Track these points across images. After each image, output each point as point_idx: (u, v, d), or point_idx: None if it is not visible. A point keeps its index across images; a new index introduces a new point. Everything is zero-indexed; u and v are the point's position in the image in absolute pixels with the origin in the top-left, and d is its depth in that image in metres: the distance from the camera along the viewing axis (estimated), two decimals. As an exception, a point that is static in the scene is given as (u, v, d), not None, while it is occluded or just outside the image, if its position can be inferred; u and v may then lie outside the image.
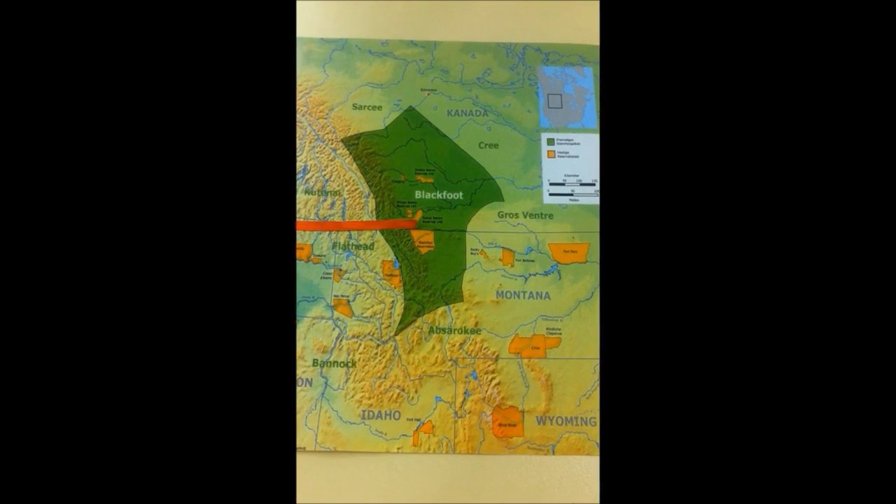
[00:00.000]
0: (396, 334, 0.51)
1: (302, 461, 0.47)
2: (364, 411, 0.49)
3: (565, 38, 0.61)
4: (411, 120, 0.58)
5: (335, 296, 0.52)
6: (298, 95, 0.58)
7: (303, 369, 0.50)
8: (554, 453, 0.48)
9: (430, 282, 0.52)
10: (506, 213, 0.54)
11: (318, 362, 0.50)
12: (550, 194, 0.55)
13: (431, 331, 0.51)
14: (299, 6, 0.62)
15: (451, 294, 0.52)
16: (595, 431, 0.48)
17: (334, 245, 0.53)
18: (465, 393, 0.49)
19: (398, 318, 0.51)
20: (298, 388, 0.49)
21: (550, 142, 0.57)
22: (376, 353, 0.50)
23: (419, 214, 0.54)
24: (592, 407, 0.49)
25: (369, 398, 0.49)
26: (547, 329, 0.51)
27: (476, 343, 0.50)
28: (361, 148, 0.56)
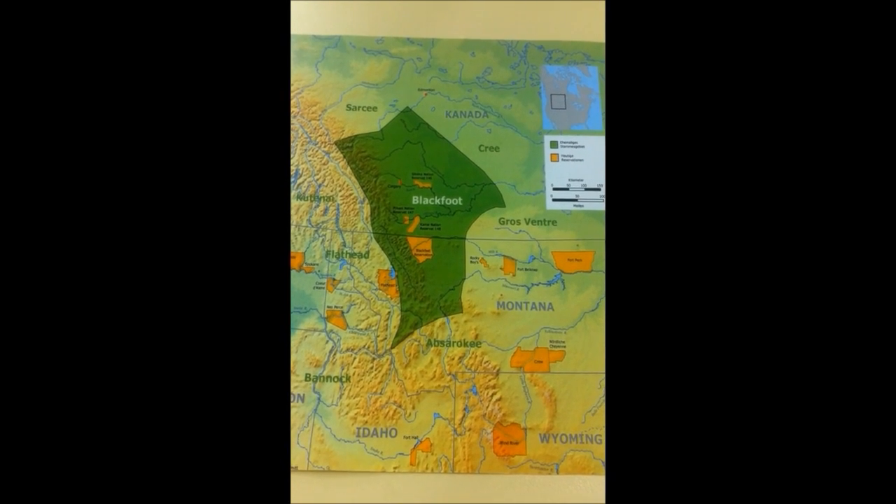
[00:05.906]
0: (393, 347, 0.51)
1: (294, 481, 0.47)
2: (359, 429, 0.49)
3: (569, 36, 0.62)
4: (408, 121, 0.58)
5: (328, 307, 0.52)
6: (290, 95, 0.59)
7: (295, 384, 0.50)
8: (558, 472, 0.48)
9: (427, 292, 0.52)
10: (507, 220, 0.55)
11: (311, 377, 0.50)
12: (554, 200, 0.55)
13: (429, 344, 0.51)
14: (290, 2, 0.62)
15: (449, 305, 0.52)
16: (601, 449, 0.48)
17: (328, 253, 0.53)
18: (464, 409, 0.49)
19: (394, 331, 0.51)
20: (290, 404, 0.49)
21: (554, 144, 0.57)
22: (372, 368, 0.50)
23: (416, 221, 0.54)
24: (598, 424, 0.49)
25: (364, 415, 0.49)
26: (550, 342, 0.51)
27: (476, 356, 0.50)
28: (356, 151, 0.57)
